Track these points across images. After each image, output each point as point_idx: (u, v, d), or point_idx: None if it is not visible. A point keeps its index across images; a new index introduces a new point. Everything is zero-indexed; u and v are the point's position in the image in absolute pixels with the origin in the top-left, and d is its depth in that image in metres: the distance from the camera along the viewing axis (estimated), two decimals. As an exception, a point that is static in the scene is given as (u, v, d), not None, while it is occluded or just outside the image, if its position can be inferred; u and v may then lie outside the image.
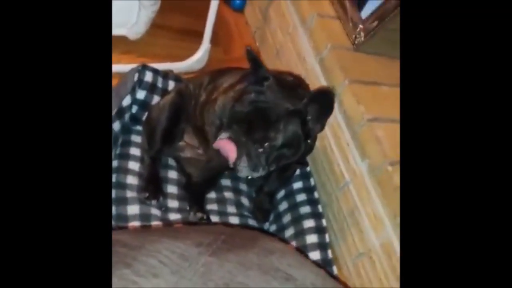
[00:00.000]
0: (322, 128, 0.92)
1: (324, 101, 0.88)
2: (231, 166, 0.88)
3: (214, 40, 1.45)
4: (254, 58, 0.87)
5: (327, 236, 1.04)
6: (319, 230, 1.05)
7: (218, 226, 0.79)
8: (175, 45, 1.51)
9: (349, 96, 1.07)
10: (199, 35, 1.46)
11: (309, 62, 1.29)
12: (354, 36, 1.18)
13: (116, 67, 1.32)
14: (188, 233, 0.60)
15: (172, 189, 1.09)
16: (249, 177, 0.96)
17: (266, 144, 0.86)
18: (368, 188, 1.06)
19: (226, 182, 1.17)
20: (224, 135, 0.87)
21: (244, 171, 0.89)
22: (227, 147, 0.87)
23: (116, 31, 1.34)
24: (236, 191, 1.17)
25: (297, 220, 1.08)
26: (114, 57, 1.36)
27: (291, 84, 0.95)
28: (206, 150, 1.08)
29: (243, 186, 1.19)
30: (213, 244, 0.57)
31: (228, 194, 1.15)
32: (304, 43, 1.32)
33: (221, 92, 1.00)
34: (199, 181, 1.09)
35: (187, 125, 1.11)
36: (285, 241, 0.95)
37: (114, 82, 1.27)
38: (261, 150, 0.87)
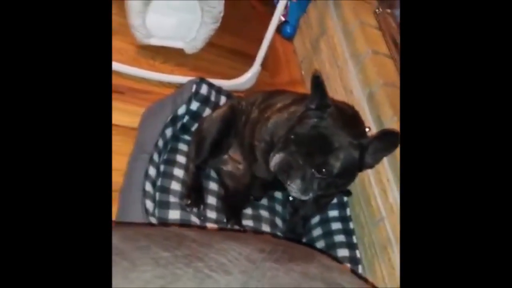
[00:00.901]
0: (376, 163, 0.93)
1: (388, 140, 0.88)
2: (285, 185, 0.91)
3: (262, 64, 1.50)
4: (320, 84, 0.90)
5: (360, 267, 1.05)
6: (353, 261, 1.05)
7: (272, 237, 0.80)
8: (225, 63, 1.56)
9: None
10: (248, 57, 1.52)
11: (356, 95, 1.32)
12: (405, 76, 1.21)
13: (169, 77, 1.38)
14: (248, 239, 0.61)
15: (211, 200, 1.11)
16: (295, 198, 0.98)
17: (324, 170, 0.88)
18: (405, 225, 1.07)
19: (262, 200, 1.19)
20: (280, 154, 0.90)
21: (294, 192, 0.91)
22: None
23: (175, 43, 1.40)
24: (272, 211, 1.18)
25: (331, 247, 1.09)
26: (169, 67, 1.43)
27: (350, 115, 0.97)
28: (250, 165, 1.11)
29: (279, 207, 1.21)
30: (274, 253, 0.58)
31: (263, 213, 1.16)
32: (352, 76, 1.36)
33: (275, 111, 1.03)
34: (236, 195, 1.11)
35: (235, 140, 1.14)
36: (340, 261, 0.96)
37: (167, 91, 1.33)
38: (317, 175, 0.88)
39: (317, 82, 0.89)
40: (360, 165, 0.90)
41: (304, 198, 0.91)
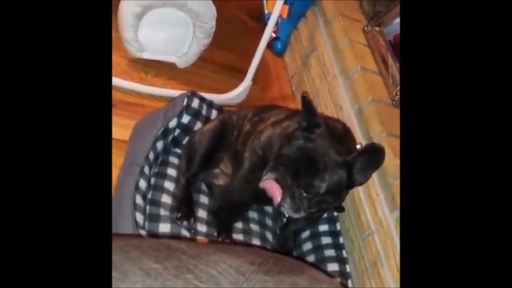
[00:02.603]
0: (366, 180, 0.94)
1: (374, 156, 0.90)
2: (275, 206, 0.92)
3: (253, 79, 1.52)
4: (309, 104, 0.90)
5: (350, 282, 1.05)
6: (343, 275, 1.05)
7: (262, 250, 0.80)
8: (216, 78, 1.58)
9: (386, 149, 1.10)
10: (239, 72, 1.54)
11: (346, 111, 1.34)
12: (394, 93, 1.23)
13: (161, 91, 1.39)
14: (239, 252, 0.62)
15: (202, 213, 1.11)
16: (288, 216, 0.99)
17: (310, 190, 0.89)
18: (394, 240, 1.07)
19: (253, 214, 1.19)
20: (270, 175, 0.91)
21: (287, 211, 0.93)
22: (273, 188, 0.90)
23: (167, 57, 1.42)
24: (262, 225, 1.18)
25: (321, 262, 1.09)
26: (160, 81, 1.44)
27: (340, 133, 0.98)
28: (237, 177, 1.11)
29: (269, 221, 1.21)
30: (264, 265, 0.58)
31: (254, 227, 1.16)
32: (342, 92, 1.38)
33: (268, 125, 1.04)
34: (227, 208, 1.11)
35: (226, 154, 1.15)
36: (330, 274, 0.96)
37: (158, 105, 1.34)
38: (305, 195, 0.90)
39: (306, 103, 0.90)
40: (349, 183, 0.91)
41: (296, 216, 0.92)
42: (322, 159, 0.88)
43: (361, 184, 0.95)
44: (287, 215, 0.94)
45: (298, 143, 0.89)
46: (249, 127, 1.09)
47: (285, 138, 0.93)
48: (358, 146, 1.01)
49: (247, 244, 1.06)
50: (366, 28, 1.43)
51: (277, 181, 0.89)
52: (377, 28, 1.39)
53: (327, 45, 1.51)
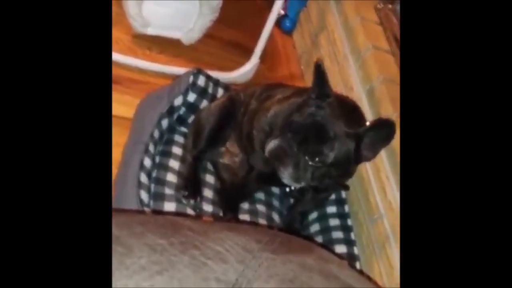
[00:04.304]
0: (374, 156, 0.91)
1: (384, 130, 0.86)
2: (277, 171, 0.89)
3: (261, 57, 1.48)
4: (322, 73, 0.87)
5: (358, 264, 1.03)
6: (351, 257, 1.04)
7: (269, 229, 0.79)
8: (223, 56, 1.54)
9: (397, 130, 1.08)
10: (246, 50, 1.50)
11: (356, 91, 1.31)
12: (406, 71, 1.20)
13: (166, 68, 1.36)
14: (245, 230, 0.60)
15: (208, 193, 1.09)
16: (290, 188, 0.97)
17: (317, 159, 0.86)
18: (403, 222, 1.05)
19: (259, 195, 1.17)
20: (275, 141, 0.88)
21: (287, 179, 0.90)
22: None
23: (172, 33, 1.38)
24: (269, 205, 1.17)
25: (328, 243, 1.07)
26: (166, 58, 1.41)
27: (350, 108, 0.95)
28: (248, 156, 1.09)
29: (276, 202, 1.19)
30: (271, 243, 0.56)
31: (260, 207, 1.14)
32: (353, 72, 1.34)
33: (275, 102, 1.01)
34: (233, 188, 1.09)
35: (232, 132, 1.12)
36: (339, 255, 0.94)
37: (163, 82, 1.31)
38: (310, 163, 0.87)
39: (319, 71, 0.87)
40: (356, 157, 0.88)
41: (296, 185, 0.90)
42: (333, 127, 0.85)
43: (368, 160, 0.92)
44: (288, 185, 0.91)
45: (309, 110, 0.87)
46: (256, 105, 1.06)
47: (294, 107, 0.91)
48: (367, 124, 0.98)
49: (253, 224, 1.04)
50: (378, 5, 1.38)
51: (282, 147, 0.86)
52: (390, 6, 1.35)
53: (337, 23, 1.47)
